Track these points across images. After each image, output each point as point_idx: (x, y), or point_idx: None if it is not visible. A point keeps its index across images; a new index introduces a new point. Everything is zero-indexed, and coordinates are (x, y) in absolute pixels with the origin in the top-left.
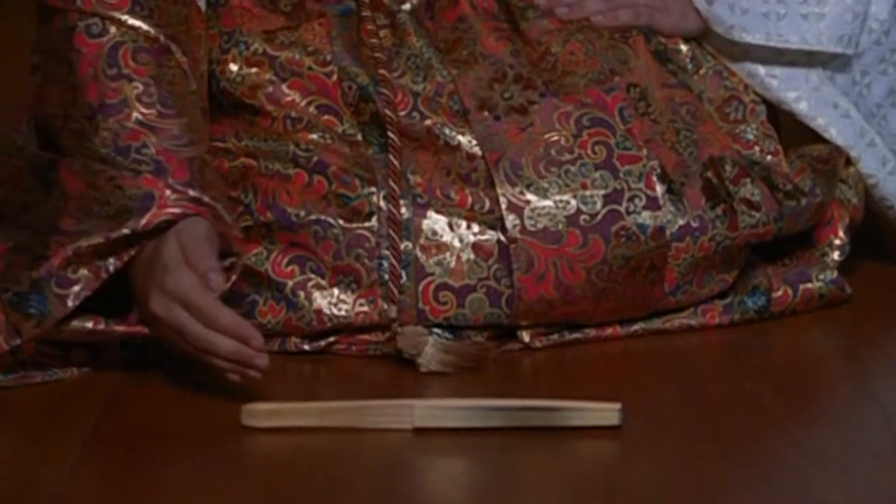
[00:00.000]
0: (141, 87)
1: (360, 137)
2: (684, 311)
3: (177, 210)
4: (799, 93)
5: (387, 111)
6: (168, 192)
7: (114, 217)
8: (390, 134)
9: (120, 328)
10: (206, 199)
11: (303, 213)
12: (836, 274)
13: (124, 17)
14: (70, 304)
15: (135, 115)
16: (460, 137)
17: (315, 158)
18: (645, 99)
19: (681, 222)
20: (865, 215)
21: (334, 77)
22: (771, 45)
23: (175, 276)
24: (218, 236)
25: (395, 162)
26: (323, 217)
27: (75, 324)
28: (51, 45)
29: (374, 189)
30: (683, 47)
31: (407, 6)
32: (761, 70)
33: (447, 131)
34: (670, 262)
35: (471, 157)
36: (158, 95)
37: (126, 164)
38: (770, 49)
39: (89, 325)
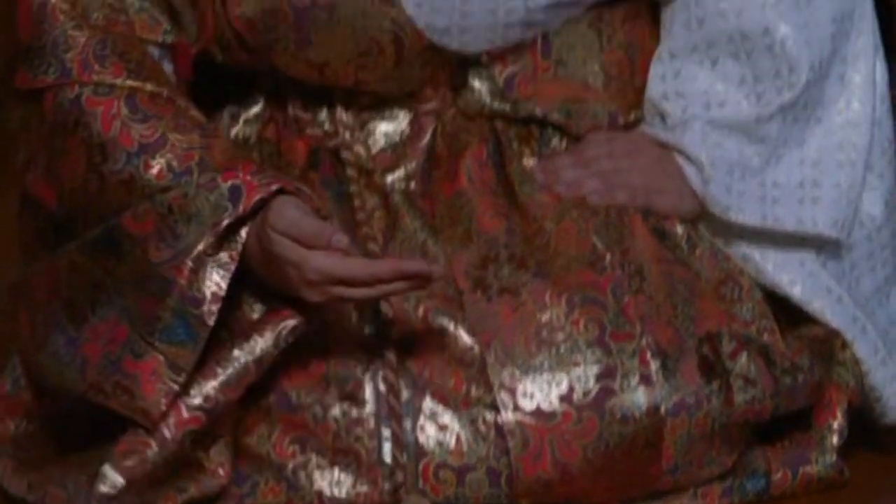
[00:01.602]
0: (172, 122)
1: (355, 320)
2: (684, 494)
3: (266, 189)
4: (793, 276)
5: (382, 301)
6: (249, 177)
7: (210, 217)
8: (385, 319)
9: None
10: (280, 176)
11: (302, 395)
12: (834, 457)
13: (126, 83)
14: (209, 322)
15: (179, 143)
16: (454, 323)
17: (314, 341)
18: (640, 274)
19: (676, 398)
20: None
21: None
22: (766, 227)
23: (310, 266)
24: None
25: (391, 356)
26: (322, 399)
27: None
28: (52, 122)
29: (371, 372)
30: (679, 228)
31: (401, 173)
32: (756, 254)
33: (441, 317)
34: (667, 438)
35: (465, 341)
36: (191, 124)
37: (194, 179)
38: (765, 232)
39: None
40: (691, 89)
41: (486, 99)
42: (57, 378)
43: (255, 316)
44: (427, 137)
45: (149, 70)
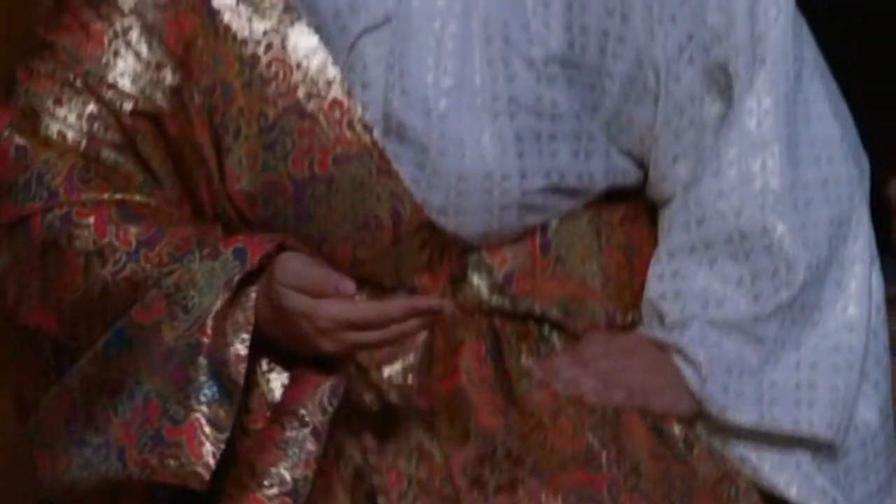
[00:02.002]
0: (167, 220)
1: None
2: None
3: (269, 245)
4: (789, 478)
5: (379, 498)
6: (251, 239)
7: (221, 277)
8: None
9: None
10: (280, 235)
11: None
12: None
13: (115, 196)
14: (240, 381)
15: (177, 233)
16: None
17: None
18: (637, 472)
19: None
20: None
21: (331, 454)
22: (763, 427)
23: (321, 314)
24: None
25: None
26: None
27: None
28: (43, 242)
29: None
30: (676, 428)
31: (398, 367)
32: (752, 455)
33: None
34: None
35: None
36: (186, 221)
37: (196, 256)
38: (761, 432)
39: None
40: (689, 289)
41: (485, 294)
42: (94, 479)
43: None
44: (425, 332)
45: (136, 186)
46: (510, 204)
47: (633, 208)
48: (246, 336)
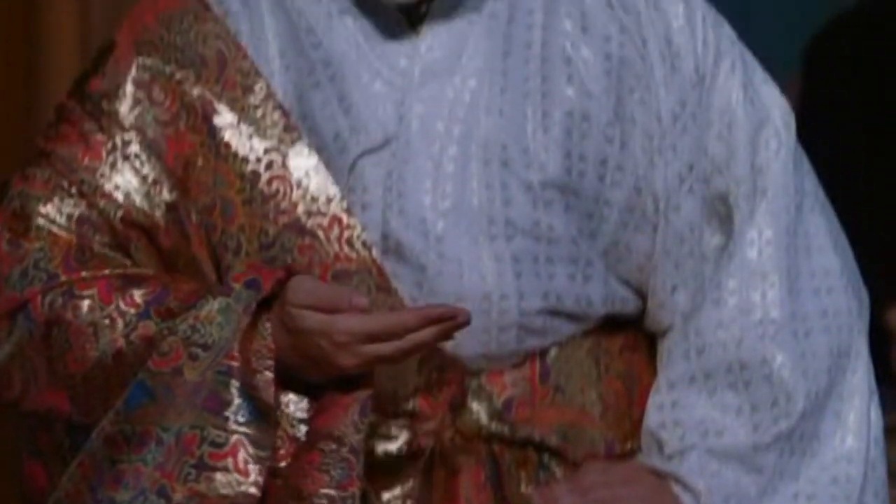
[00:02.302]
0: (169, 278)
1: None
2: None
3: (280, 272)
4: None
5: None
6: (260, 270)
7: (237, 307)
8: None
9: None
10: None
11: None
12: None
13: (115, 271)
14: (272, 402)
15: (184, 287)
16: None
17: None
18: None
19: None
20: None
21: None
22: None
23: (337, 329)
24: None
25: None
26: None
27: None
28: (46, 321)
29: None
30: None
31: (397, 492)
32: None
33: None
34: None
35: None
36: (188, 280)
37: (209, 297)
38: None
39: None
40: (689, 418)
41: (485, 420)
42: None
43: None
44: (425, 458)
45: (132, 262)
46: (508, 325)
47: (633, 337)
48: (270, 362)
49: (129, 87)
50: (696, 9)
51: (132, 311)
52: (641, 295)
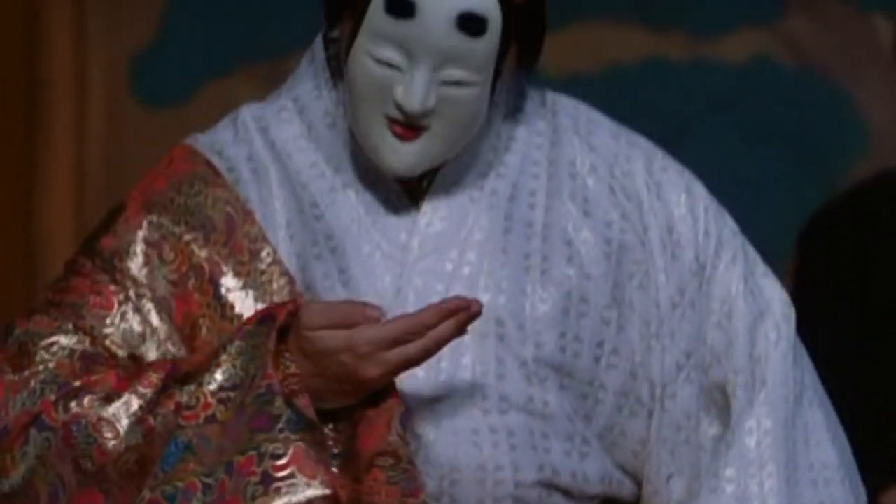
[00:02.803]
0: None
1: None
2: None
3: (290, 304)
4: None
5: None
6: (269, 306)
7: (256, 342)
8: None
9: None
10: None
11: None
12: None
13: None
14: (311, 410)
15: (195, 356)
16: None
17: None
18: None
19: None
20: None
21: None
22: None
23: (358, 341)
24: None
25: None
26: None
27: None
28: (65, 422)
29: None
30: None
31: None
32: None
33: None
34: None
35: None
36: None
37: (227, 347)
38: None
39: None
40: None
41: None
42: None
43: None
44: None
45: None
46: (503, 496)
47: None
48: (298, 387)
49: (140, 246)
50: (699, 199)
51: (150, 390)
52: (637, 480)
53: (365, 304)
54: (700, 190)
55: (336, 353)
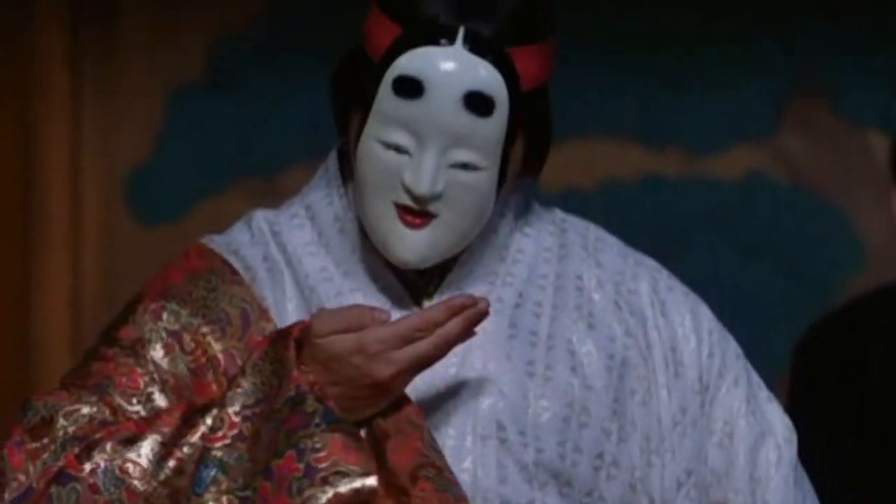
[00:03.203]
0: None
1: None
2: None
3: (300, 323)
4: None
5: None
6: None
7: (273, 356)
8: None
9: None
10: None
11: None
12: None
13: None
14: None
15: (208, 395)
16: None
17: None
18: None
19: None
20: None
21: None
22: None
23: (369, 341)
24: None
25: None
26: None
27: None
28: (91, 474)
29: None
30: None
31: None
32: None
33: None
34: None
35: None
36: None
37: (242, 372)
38: None
39: None
40: None
41: None
42: None
43: None
44: None
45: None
46: None
47: None
48: (322, 394)
49: (161, 334)
50: (703, 321)
51: (171, 427)
52: None
53: (373, 308)
54: (705, 312)
55: (347, 355)
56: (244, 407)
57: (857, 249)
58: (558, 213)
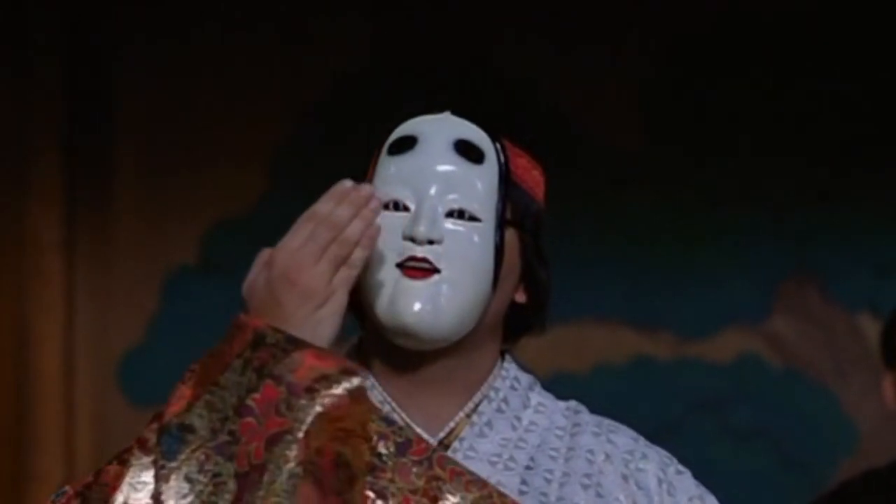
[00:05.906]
0: None
1: None
2: None
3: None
4: None
5: None
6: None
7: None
8: None
9: None
10: None
11: None
12: None
13: None
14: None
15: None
16: None
17: None
18: None
19: None
20: None
21: None
22: None
23: (267, 255)
24: None
25: None
26: None
27: None
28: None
29: None
30: None
31: None
32: None
33: None
34: None
35: None
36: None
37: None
38: None
39: None
40: None
41: None
42: None
43: None
44: None
45: None
46: None
47: None
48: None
49: None
50: None
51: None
52: None
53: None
54: (712, 501)
55: (259, 277)
56: (190, 371)
57: (848, 433)
58: (573, 402)
